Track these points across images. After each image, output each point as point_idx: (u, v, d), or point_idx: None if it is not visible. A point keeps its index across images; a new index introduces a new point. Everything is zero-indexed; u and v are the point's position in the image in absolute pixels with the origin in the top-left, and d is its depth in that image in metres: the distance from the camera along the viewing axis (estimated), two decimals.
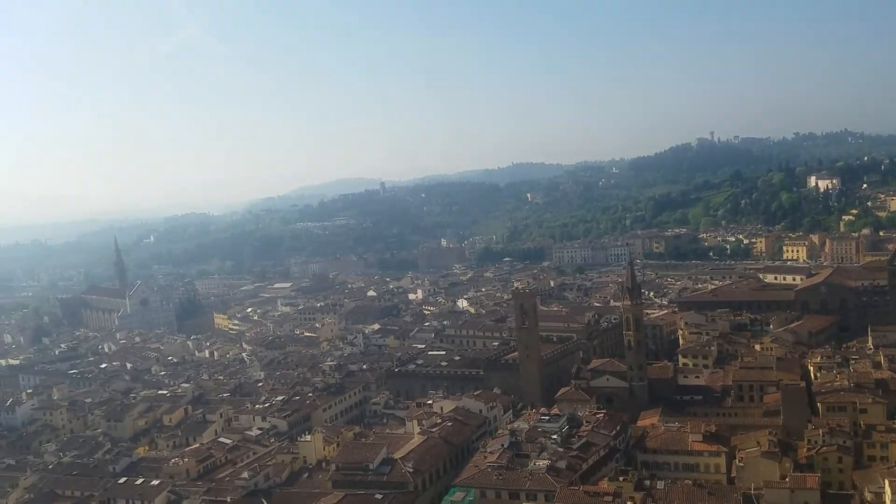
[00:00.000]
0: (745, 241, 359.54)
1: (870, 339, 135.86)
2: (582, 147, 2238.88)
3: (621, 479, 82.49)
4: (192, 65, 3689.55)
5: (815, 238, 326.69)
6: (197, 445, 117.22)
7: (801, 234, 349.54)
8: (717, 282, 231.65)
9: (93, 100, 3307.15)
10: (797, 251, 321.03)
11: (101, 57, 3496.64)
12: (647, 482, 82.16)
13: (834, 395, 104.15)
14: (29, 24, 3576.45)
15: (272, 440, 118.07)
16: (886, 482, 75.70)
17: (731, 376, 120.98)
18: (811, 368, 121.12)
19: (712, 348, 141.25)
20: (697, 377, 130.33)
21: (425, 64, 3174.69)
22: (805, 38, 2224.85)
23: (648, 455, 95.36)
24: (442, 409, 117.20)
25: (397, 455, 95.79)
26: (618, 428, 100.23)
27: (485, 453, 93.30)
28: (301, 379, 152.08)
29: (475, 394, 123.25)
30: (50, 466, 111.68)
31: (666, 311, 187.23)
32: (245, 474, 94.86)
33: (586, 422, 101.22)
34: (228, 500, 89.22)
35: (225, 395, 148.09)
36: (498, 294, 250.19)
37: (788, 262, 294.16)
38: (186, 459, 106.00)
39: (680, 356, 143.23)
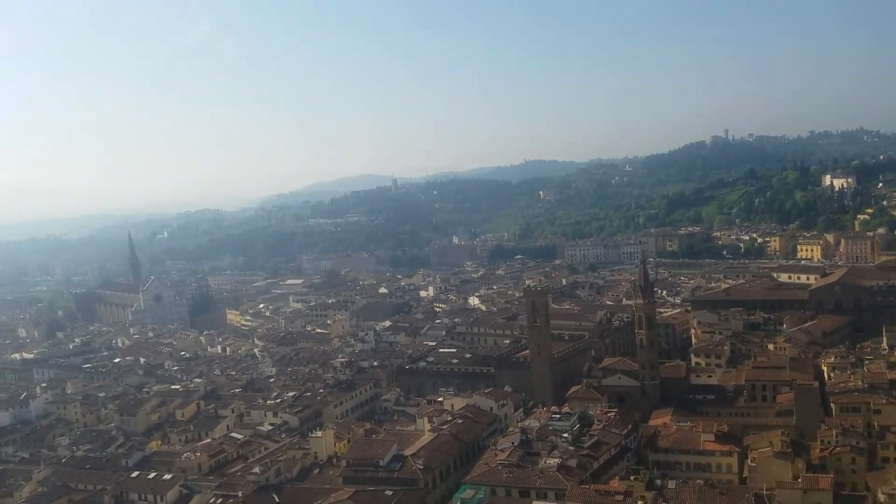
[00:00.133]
0: (759, 240, 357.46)
1: (884, 339, 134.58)
2: (595, 144, 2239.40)
3: (632, 478, 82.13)
4: (206, 61, 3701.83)
5: (829, 237, 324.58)
6: (209, 440, 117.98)
7: (815, 233, 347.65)
8: (730, 281, 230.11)
9: (107, 95, 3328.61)
10: (811, 250, 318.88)
11: (118, 52, 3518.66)
12: (659, 481, 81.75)
13: (848, 396, 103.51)
14: (46, 20, 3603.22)
15: (283, 436, 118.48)
16: None
17: (744, 376, 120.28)
18: (825, 368, 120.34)
19: (725, 347, 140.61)
20: (710, 376, 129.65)
21: (439, 61, 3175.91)
22: (821, 35, 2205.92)
23: (660, 454, 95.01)
24: (452, 406, 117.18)
25: (408, 452, 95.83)
26: (629, 427, 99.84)
27: (495, 451, 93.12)
28: (312, 375, 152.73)
29: (486, 391, 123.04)
30: (63, 460, 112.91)
31: (679, 310, 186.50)
32: (256, 469, 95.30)
33: (597, 420, 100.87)
34: (240, 494, 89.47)
35: (237, 390, 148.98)
36: (509, 292, 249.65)
37: (803, 262, 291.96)
38: (198, 454, 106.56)
39: (692, 355, 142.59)
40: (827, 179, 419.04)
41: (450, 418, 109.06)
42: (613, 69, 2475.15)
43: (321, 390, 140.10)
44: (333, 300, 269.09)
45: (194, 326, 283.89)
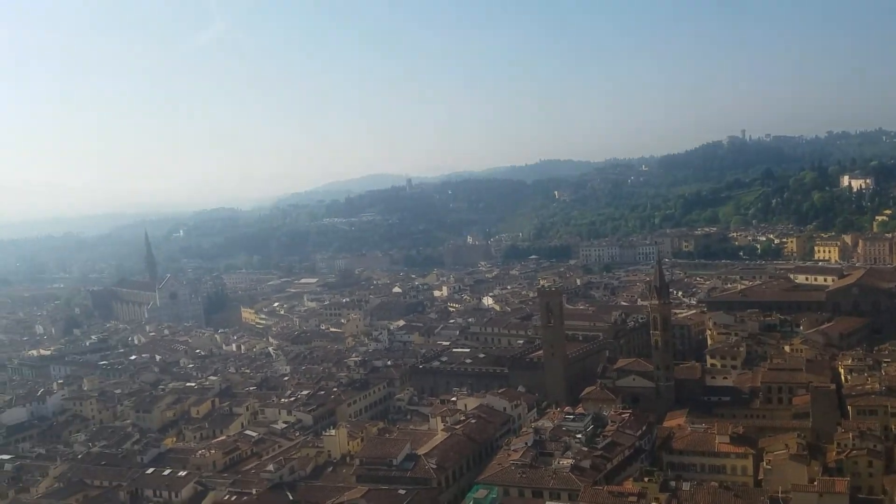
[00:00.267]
0: (776, 241, 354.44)
1: None
2: (611, 144, 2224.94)
3: (646, 479, 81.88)
4: (222, 60, 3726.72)
5: (847, 238, 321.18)
6: (223, 438, 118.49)
7: (833, 234, 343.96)
8: (746, 282, 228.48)
9: (127, 95, 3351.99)
10: (829, 251, 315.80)
11: (139, 52, 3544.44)
12: (673, 483, 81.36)
13: (864, 398, 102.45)
14: (63, 19, 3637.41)
15: (297, 434, 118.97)
16: None
17: (760, 378, 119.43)
18: (841, 371, 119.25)
19: (741, 349, 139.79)
20: (725, 378, 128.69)
21: (455, 61, 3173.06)
22: (839, 35, 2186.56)
23: (674, 456, 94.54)
24: (466, 406, 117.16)
25: (421, 451, 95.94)
26: (643, 428, 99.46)
27: (508, 451, 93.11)
28: (326, 374, 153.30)
29: (499, 391, 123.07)
30: (79, 456, 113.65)
31: (694, 311, 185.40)
32: (270, 467, 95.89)
33: (611, 421, 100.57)
34: (254, 492, 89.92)
35: (251, 388, 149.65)
36: (524, 292, 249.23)
37: (820, 263, 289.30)
38: (213, 451, 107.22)
39: (708, 356, 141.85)
40: (845, 180, 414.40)
41: (463, 418, 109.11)
42: (629, 69, 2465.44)
43: (335, 389, 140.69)
44: (347, 299, 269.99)
45: (209, 324, 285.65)
